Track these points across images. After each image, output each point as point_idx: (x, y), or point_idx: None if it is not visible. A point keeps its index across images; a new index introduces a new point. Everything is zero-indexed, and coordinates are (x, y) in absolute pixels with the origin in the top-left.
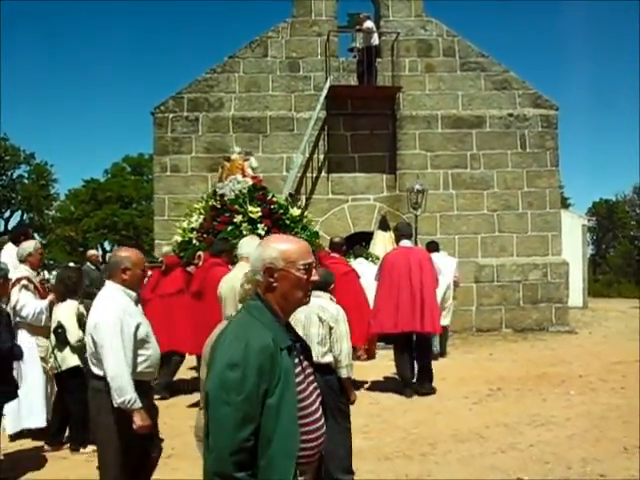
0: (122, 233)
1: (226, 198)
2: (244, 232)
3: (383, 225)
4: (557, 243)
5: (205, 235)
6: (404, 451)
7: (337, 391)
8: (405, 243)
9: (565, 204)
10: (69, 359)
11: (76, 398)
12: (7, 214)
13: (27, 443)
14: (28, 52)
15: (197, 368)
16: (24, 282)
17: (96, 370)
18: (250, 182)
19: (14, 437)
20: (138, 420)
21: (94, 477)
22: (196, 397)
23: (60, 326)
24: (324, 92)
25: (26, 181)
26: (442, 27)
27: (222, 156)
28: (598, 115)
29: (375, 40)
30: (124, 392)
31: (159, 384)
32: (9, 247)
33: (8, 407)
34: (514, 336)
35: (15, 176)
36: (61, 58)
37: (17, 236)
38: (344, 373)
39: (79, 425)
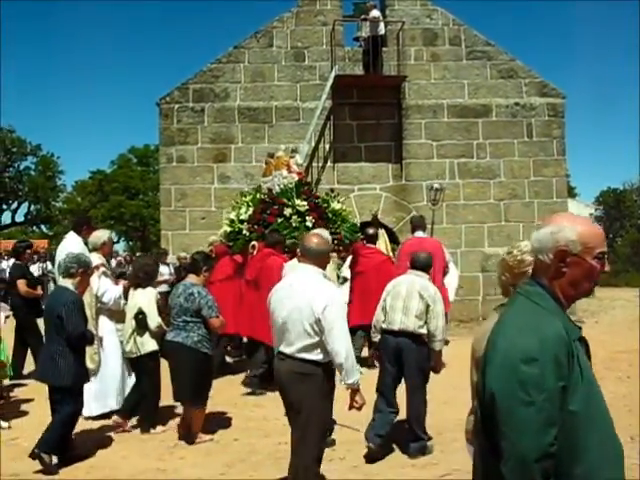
0: (129, 224)
1: (273, 192)
2: (294, 224)
3: (374, 224)
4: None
5: (256, 226)
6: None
7: (426, 360)
8: (419, 234)
9: (572, 193)
10: (148, 344)
11: (152, 381)
12: (14, 205)
13: (106, 423)
14: (33, 44)
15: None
16: (103, 269)
17: (307, 355)
18: (296, 177)
19: (95, 417)
20: (360, 399)
21: (163, 457)
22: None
23: (141, 312)
24: (330, 82)
25: (33, 173)
26: (448, 16)
27: (268, 153)
28: (606, 104)
29: (381, 29)
30: (354, 373)
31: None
32: (72, 236)
33: (90, 389)
34: None
35: (22, 168)
36: (67, 49)
37: (79, 226)
38: (437, 346)
39: (151, 407)
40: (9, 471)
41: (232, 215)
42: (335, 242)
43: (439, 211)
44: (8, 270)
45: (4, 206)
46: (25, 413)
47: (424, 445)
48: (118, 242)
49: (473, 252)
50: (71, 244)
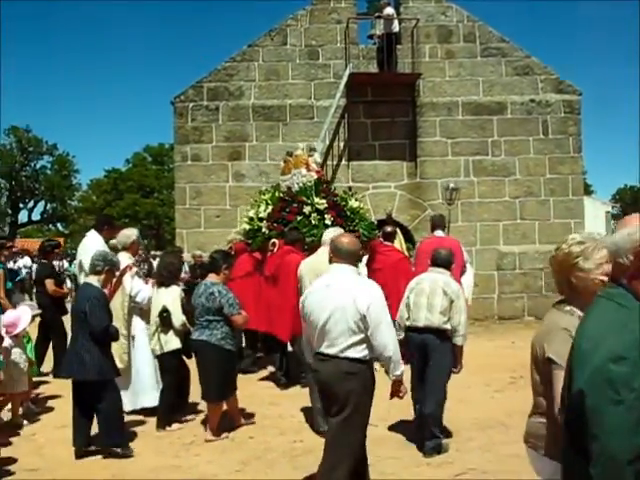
0: (143, 222)
1: (292, 190)
2: (313, 222)
3: (388, 223)
4: (580, 230)
5: (275, 224)
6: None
7: (451, 356)
8: (438, 233)
9: (588, 191)
10: (172, 342)
11: (172, 379)
12: (31, 204)
13: (133, 418)
14: (48, 43)
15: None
16: (135, 269)
17: (353, 354)
18: (315, 176)
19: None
20: (403, 389)
21: (179, 454)
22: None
23: (165, 310)
24: (344, 80)
25: (49, 172)
26: (462, 12)
27: (286, 152)
28: (622, 100)
29: (395, 27)
30: (400, 365)
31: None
32: (93, 235)
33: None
34: (537, 324)
35: (38, 167)
36: (82, 48)
37: (101, 224)
38: (460, 341)
39: (169, 405)
40: (27, 466)
41: (251, 213)
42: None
43: (454, 209)
44: (24, 268)
45: (21, 205)
46: (51, 409)
47: (439, 443)
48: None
49: (488, 250)
50: (92, 242)
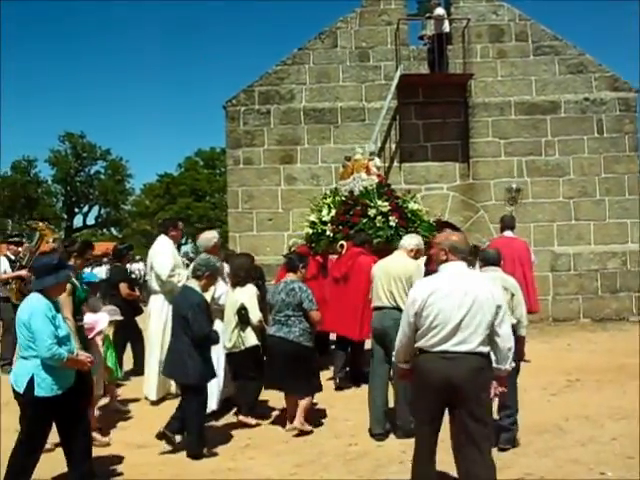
0: (196, 226)
1: (354, 194)
2: (378, 224)
3: (439, 227)
4: (637, 230)
5: (340, 227)
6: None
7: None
8: (508, 233)
9: None
10: (250, 338)
11: (252, 375)
12: (85, 209)
13: None
14: (101, 48)
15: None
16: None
17: (483, 349)
18: (376, 180)
19: None
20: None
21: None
22: None
23: (243, 307)
24: (395, 81)
25: (102, 177)
26: (514, 11)
27: (345, 157)
28: None
29: (446, 27)
30: (511, 358)
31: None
32: (162, 239)
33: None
34: (592, 326)
35: (92, 172)
36: (134, 52)
37: (166, 228)
38: (523, 332)
39: (252, 397)
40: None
41: (312, 217)
42: None
43: (508, 210)
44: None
45: (76, 210)
46: (127, 413)
47: (514, 435)
48: (186, 244)
49: (542, 251)
50: (163, 246)
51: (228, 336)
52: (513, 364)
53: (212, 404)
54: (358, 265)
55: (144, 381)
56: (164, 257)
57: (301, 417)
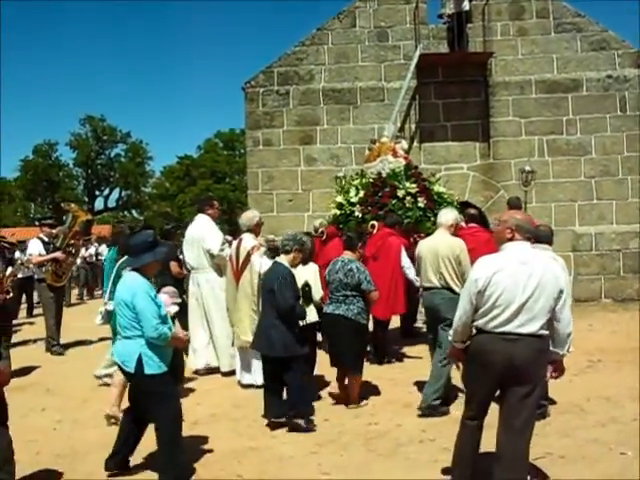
0: (197, 208)
1: (382, 175)
2: (407, 205)
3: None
4: None
5: (369, 207)
6: None
7: None
8: None
9: None
10: (312, 314)
11: (313, 348)
12: (106, 192)
13: None
14: (118, 31)
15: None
16: (263, 249)
17: (544, 331)
18: (403, 162)
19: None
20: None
21: (255, 437)
22: None
23: (307, 284)
24: (414, 61)
25: (123, 159)
26: None
27: (370, 139)
28: None
29: (465, 5)
30: (569, 343)
31: None
32: (201, 217)
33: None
34: (614, 306)
35: (113, 155)
36: (152, 35)
37: (203, 207)
38: None
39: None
40: None
41: (339, 198)
42: None
43: (528, 190)
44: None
45: (97, 192)
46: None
47: (545, 410)
48: None
49: (563, 231)
50: (203, 224)
51: None
52: (572, 349)
53: (258, 378)
54: (388, 245)
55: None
56: (212, 233)
57: (355, 396)
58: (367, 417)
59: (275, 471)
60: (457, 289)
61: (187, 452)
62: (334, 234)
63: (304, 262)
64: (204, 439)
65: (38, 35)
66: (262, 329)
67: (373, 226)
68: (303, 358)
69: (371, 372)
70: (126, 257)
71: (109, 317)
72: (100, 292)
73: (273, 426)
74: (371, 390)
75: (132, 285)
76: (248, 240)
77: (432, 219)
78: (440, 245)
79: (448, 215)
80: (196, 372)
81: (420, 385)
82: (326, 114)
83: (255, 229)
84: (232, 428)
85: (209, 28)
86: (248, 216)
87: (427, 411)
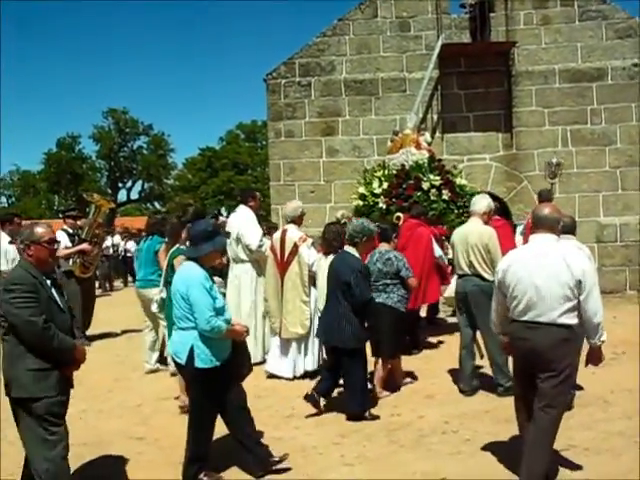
0: (238, 199)
1: (406, 167)
2: (431, 197)
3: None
4: None
5: (394, 199)
6: None
7: None
8: None
9: None
10: None
11: None
12: (129, 184)
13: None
14: (140, 25)
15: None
16: (310, 240)
17: (567, 320)
18: (426, 154)
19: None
20: (603, 357)
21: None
22: None
23: None
24: (436, 51)
25: (145, 152)
26: None
27: (393, 131)
28: None
29: None
30: (604, 331)
31: None
32: (242, 209)
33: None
34: (639, 298)
35: (135, 147)
36: (174, 27)
37: (246, 198)
38: None
39: None
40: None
41: (362, 190)
42: (465, 215)
43: (549, 183)
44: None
45: (120, 185)
46: None
47: (571, 399)
48: (228, 216)
49: (587, 222)
50: (244, 216)
51: (322, 301)
52: (604, 338)
53: (309, 365)
54: (417, 235)
55: None
56: (252, 228)
57: (399, 378)
58: (390, 408)
59: (298, 461)
60: (487, 276)
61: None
62: None
63: (335, 252)
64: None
65: (61, 28)
66: (332, 321)
67: (399, 218)
68: (365, 352)
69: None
70: (177, 246)
71: (164, 305)
72: (118, 283)
73: (312, 401)
74: (394, 381)
75: (188, 276)
76: (293, 231)
77: (455, 211)
78: (471, 233)
79: (482, 202)
80: None
81: (444, 376)
82: (348, 105)
83: (298, 220)
84: (256, 418)
85: (230, 19)
86: (293, 207)
87: (506, 394)
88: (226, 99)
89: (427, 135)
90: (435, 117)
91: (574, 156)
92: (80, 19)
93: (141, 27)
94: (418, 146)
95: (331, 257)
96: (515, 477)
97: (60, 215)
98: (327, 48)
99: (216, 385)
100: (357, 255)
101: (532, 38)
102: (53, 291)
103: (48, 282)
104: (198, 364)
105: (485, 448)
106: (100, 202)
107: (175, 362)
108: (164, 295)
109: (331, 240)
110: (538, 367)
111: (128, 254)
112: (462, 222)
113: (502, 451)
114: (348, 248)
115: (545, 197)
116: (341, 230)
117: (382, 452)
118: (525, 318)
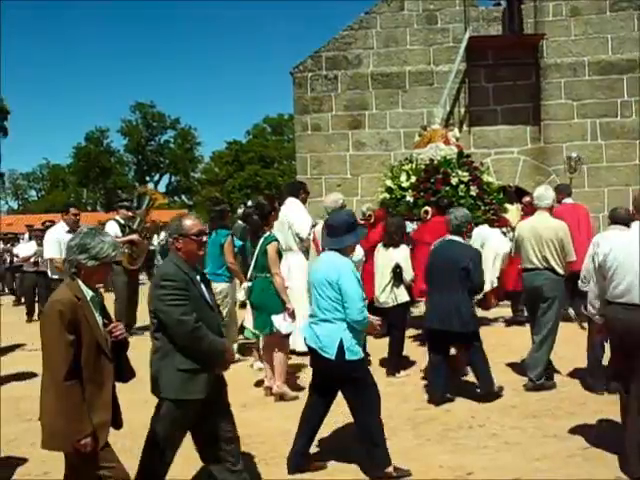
0: (265, 192)
1: (434, 162)
2: (460, 193)
3: (510, 199)
4: None
5: (422, 193)
6: (552, 410)
7: None
8: (568, 201)
9: None
10: (403, 295)
11: (403, 327)
12: (156, 177)
13: None
14: (168, 18)
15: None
16: None
17: None
18: (455, 150)
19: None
20: None
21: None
22: None
23: (398, 266)
24: (463, 43)
25: (172, 145)
26: None
27: (421, 126)
28: None
29: None
30: None
31: None
32: (293, 202)
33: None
34: None
35: (162, 141)
36: (201, 22)
37: (297, 191)
38: None
39: (398, 352)
40: None
41: (389, 183)
42: (492, 212)
43: (581, 175)
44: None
45: (147, 178)
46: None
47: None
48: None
49: None
50: (295, 207)
51: (380, 291)
52: None
53: None
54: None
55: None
56: (302, 217)
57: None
58: (416, 402)
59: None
60: (560, 270)
61: (242, 427)
62: (383, 217)
63: (395, 244)
64: (253, 421)
65: (89, 24)
66: (449, 307)
67: (427, 212)
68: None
69: (419, 357)
70: (268, 234)
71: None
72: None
73: (438, 403)
74: (417, 375)
75: (339, 264)
76: None
77: (482, 208)
78: (543, 228)
79: (546, 193)
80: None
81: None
82: (375, 98)
83: None
84: (281, 410)
85: (257, 13)
86: (333, 199)
87: (535, 390)
88: (253, 92)
89: (456, 131)
90: (462, 110)
91: (603, 149)
92: (109, 14)
93: (169, 21)
94: (447, 142)
95: (391, 249)
96: (541, 469)
97: (114, 206)
98: (354, 41)
99: (367, 375)
100: (465, 242)
101: (561, 30)
102: (202, 287)
103: (197, 278)
104: (350, 357)
105: (511, 443)
106: (155, 194)
107: (317, 357)
108: (250, 284)
109: (392, 233)
110: (635, 349)
111: (150, 247)
112: (488, 219)
113: (531, 445)
114: (454, 237)
115: (565, 190)
116: (403, 223)
117: (408, 446)
118: (623, 300)
